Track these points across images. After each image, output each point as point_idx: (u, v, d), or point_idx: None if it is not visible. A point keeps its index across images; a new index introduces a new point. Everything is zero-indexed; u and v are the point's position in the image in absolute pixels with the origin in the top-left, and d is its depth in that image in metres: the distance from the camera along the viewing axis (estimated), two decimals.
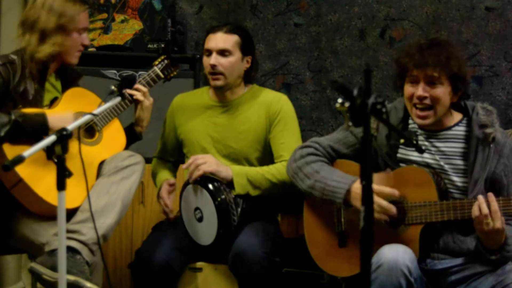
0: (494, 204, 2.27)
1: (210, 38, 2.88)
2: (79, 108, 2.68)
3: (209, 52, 2.86)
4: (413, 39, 3.78)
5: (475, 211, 2.28)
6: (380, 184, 2.42)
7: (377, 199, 2.38)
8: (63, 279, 1.99)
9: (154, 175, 3.07)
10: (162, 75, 2.92)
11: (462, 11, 3.77)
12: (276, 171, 2.81)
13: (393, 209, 2.39)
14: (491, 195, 2.29)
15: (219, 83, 2.86)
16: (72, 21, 2.64)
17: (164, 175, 2.99)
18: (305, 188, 2.59)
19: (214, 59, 2.83)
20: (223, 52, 2.84)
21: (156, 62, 2.94)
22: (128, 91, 2.73)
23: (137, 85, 2.78)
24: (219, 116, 2.94)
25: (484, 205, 2.27)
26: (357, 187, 2.44)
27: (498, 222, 2.26)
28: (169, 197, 2.89)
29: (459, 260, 2.42)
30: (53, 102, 2.69)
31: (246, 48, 2.89)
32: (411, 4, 3.87)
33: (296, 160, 2.64)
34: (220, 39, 2.85)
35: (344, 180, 2.48)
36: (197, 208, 2.75)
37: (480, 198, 2.29)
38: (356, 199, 2.43)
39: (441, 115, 2.44)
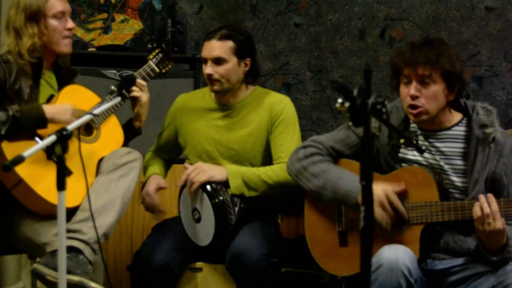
0: (494, 204, 2.26)
1: (205, 46, 2.85)
2: (76, 106, 2.69)
3: (205, 61, 2.85)
4: (413, 39, 3.79)
5: (476, 211, 2.28)
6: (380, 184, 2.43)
7: (398, 204, 2.39)
8: (63, 279, 1.99)
9: (145, 168, 3.03)
10: (157, 69, 2.90)
11: (462, 11, 3.78)
12: (272, 172, 2.80)
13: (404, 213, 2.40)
14: (490, 196, 2.29)
15: (216, 88, 2.85)
16: (41, 8, 2.62)
17: (155, 169, 2.97)
18: (312, 187, 2.57)
19: (209, 68, 2.82)
20: (218, 61, 2.81)
21: (151, 56, 2.91)
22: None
23: (137, 80, 2.77)
24: (221, 119, 2.93)
25: (486, 205, 2.27)
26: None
27: (499, 222, 2.26)
28: (155, 196, 2.86)
29: (459, 260, 2.42)
30: (49, 100, 2.69)
31: (242, 51, 2.84)
32: (411, 4, 3.87)
33: (300, 160, 2.62)
34: (213, 47, 2.81)
35: (356, 181, 2.46)
36: (195, 209, 2.75)
37: (482, 198, 2.29)
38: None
39: (436, 113, 2.43)
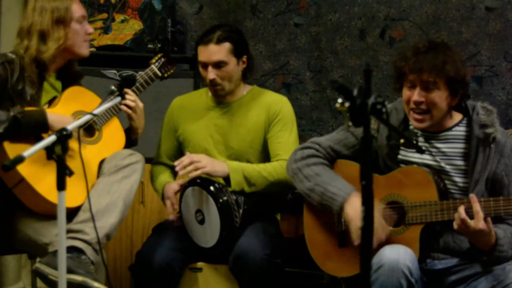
0: (476, 206, 2.26)
1: (202, 51, 2.85)
2: (79, 107, 2.69)
3: (204, 65, 2.85)
4: (413, 39, 3.79)
5: (455, 217, 2.29)
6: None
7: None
8: (63, 278, 1.99)
9: (153, 180, 3.02)
10: (159, 73, 2.90)
11: (462, 11, 3.77)
12: (272, 169, 2.81)
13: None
14: (473, 197, 2.29)
15: (221, 92, 2.87)
16: (67, 11, 2.66)
17: (165, 178, 2.97)
18: (304, 189, 2.59)
19: (211, 73, 2.82)
20: (218, 64, 2.82)
21: (153, 61, 2.92)
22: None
23: (127, 97, 2.73)
24: (219, 117, 2.94)
25: (462, 210, 2.28)
26: (354, 200, 2.42)
27: (480, 223, 2.25)
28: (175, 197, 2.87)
29: (459, 260, 2.42)
30: (51, 101, 2.69)
31: (239, 50, 2.86)
32: (411, 4, 3.87)
33: (296, 161, 2.63)
34: (212, 52, 2.81)
35: (344, 188, 2.48)
36: (198, 211, 2.75)
37: (461, 209, 2.29)
38: (351, 211, 2.41)
39: (439, 119, 2.43)
